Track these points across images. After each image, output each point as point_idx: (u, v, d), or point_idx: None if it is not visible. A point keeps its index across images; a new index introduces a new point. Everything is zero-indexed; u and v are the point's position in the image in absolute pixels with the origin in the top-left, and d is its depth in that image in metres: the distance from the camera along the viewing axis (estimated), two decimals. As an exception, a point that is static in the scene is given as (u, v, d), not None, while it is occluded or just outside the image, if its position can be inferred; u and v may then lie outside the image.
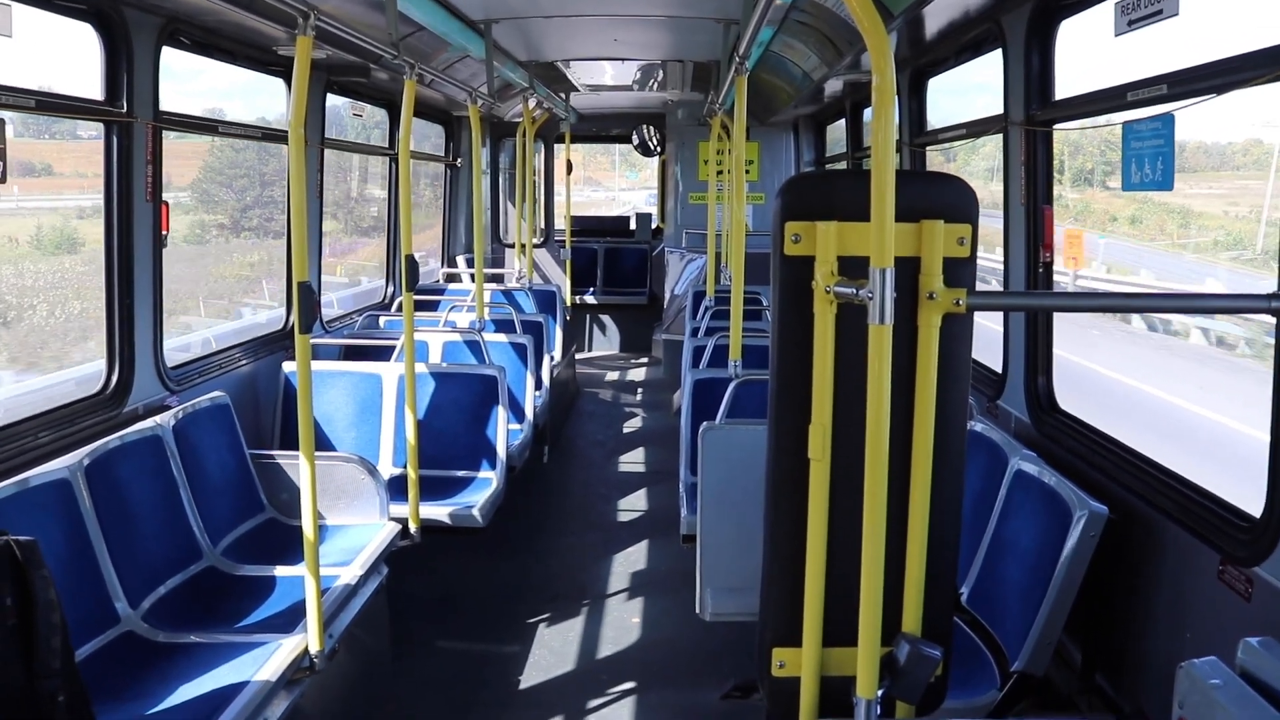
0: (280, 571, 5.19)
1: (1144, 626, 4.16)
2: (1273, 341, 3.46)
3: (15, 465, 4.44)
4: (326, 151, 8.39)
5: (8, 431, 4.66)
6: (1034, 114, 5.21)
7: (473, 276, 9.83)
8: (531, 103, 11.33)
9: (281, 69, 7.15)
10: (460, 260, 13.63)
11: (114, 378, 5.41)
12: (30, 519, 4.08)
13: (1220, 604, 3.59)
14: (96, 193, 5.50)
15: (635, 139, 15.81)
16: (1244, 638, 2.69)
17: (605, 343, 16.06)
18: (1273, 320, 3.24)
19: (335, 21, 4.62)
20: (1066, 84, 5.10)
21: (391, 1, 5.67)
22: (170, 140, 5.78)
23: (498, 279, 12.72)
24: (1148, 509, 4.14)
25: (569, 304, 12.91)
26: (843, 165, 11.12)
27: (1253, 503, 3.51)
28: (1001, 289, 5.77)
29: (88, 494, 4.49)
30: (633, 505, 8.77)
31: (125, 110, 5.29)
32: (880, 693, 2.69)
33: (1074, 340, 18.47)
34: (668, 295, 14.06)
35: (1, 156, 4.23)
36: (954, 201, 2.75)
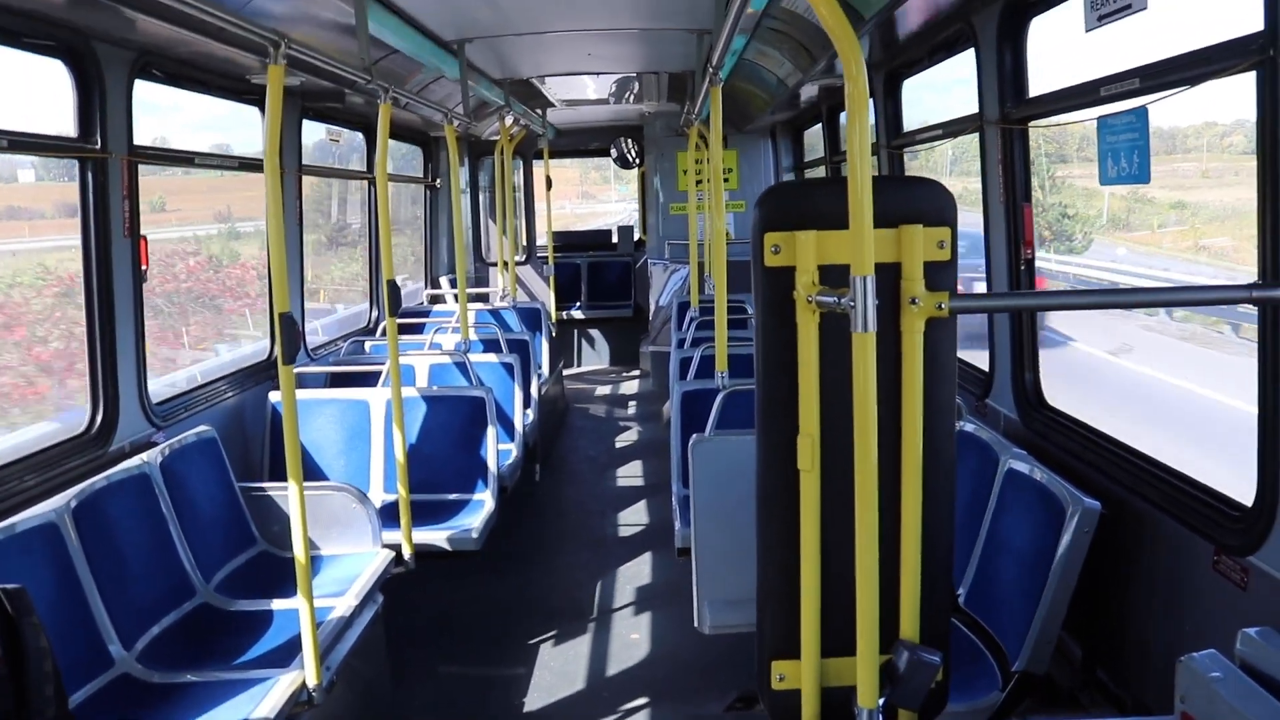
0: (275, 605, 5.15)
1: (1142, 620, 4.16)
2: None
3: (0, 510, 4.40)
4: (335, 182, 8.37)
5: None
6: (1009, 112, 5.22)
7: (456, 297, 9.81)
8: (508, 120, 11.33)
9: (255, 98, 7.13)
10: (444, 281, 13.61)
11: (99, 416, 5.37)
12: (18, 565, 4.04)
13: (1217, 594, 3.59)
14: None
15: (614, 152, 15.80)
16: (1242, 628, 2.69)
17: (594, 357, 16.04)
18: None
19: (307, 49, 4.60)
20: (1041, 81, 5.13)
21: (363, 26, 5.66)
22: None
23: (482, 298, 12.69)
24: (1140, 502, 4.14)
25: (554, 320, 12.89)
26: (821, 170, 11.13)
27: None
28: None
29: (76, 536, 4.45)
30: (627, 519, 8.75)
31: (99, 146, 5.26)
32: (882, 701, 2.68)
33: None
34: (653, 307, 14.06)
35: None
36: (932, 205, 2.75)
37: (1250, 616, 3.19)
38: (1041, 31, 5.12)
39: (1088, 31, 4.05)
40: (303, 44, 4.51)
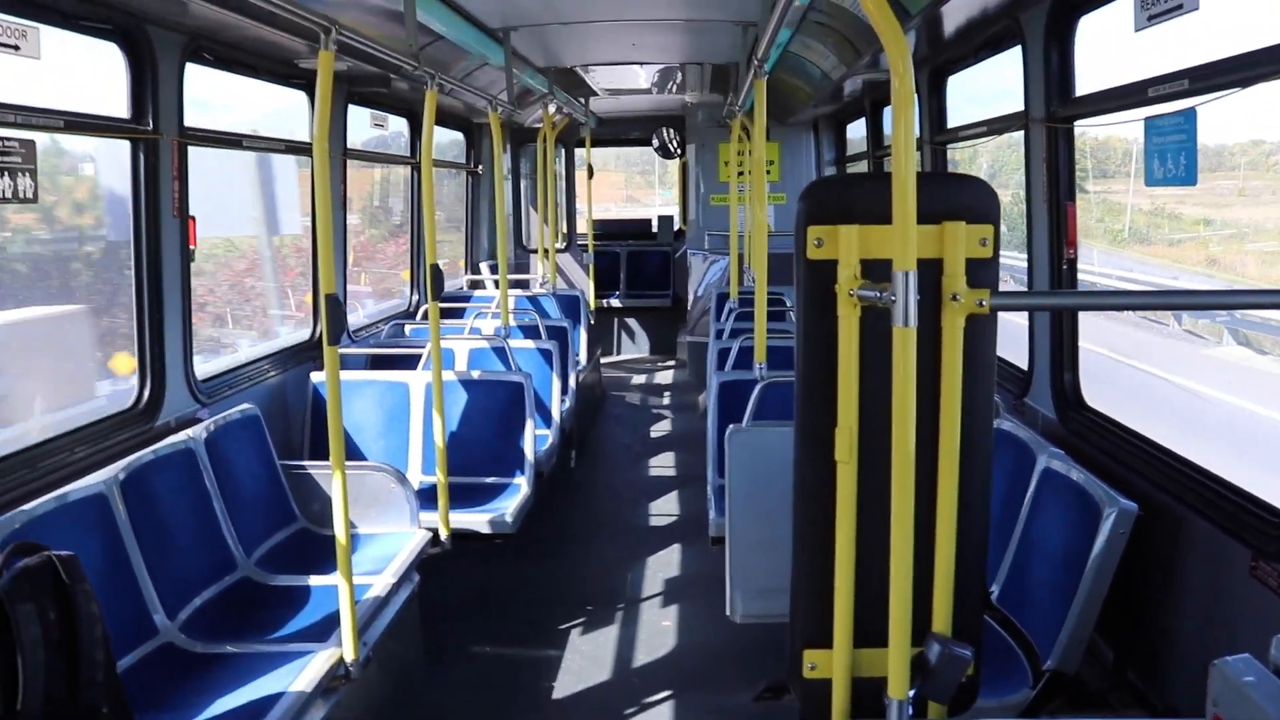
0: (313, 581, 5.24)
1: (1176, 623, 4.15)
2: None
3: (52, 481, 4.51)
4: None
5: (45, 448, 4.73)
6: (1055, 111, 5.20)
7: (496, 283, 9.87)
8: (551, 108, 11.38)
9: (303, 82, 7.22)
10: (484, 267, 13.69)
11: (146, 392, 5.48)
12: (69, 534, 4.14)
13: (1253, 600, 3.57)
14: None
15: (655, 141, 15.81)
16: (1278, 634, 2.68)
17: (631, 346, 16.09)
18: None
19: (356, 35, 4.66)
20: (1087, 80, 5.10)
21: (411, 13, 5.71)
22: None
23: (522, 285, 12.76)
24: (1177, 505, 4.13)
25: (593, 308, 12.95)
26: (863, 164, 11.10)
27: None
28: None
29: (124, 508, 4.56)
30: (661, 508, 8.79)
31: (151, 128, 5.36)
32: (912, 693, 2.70)
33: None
34: (691, 297, 14.08)
35: (32, 176, 4.31)
36: (975, 202, 2.76)
37: (1285, 622, 3.18)
38: (1084, 31, 5.10)
39: (1137, 31, 4.03)
40: (352, 30, 4.57)
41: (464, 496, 6.66)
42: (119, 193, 5.57)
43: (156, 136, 5.37)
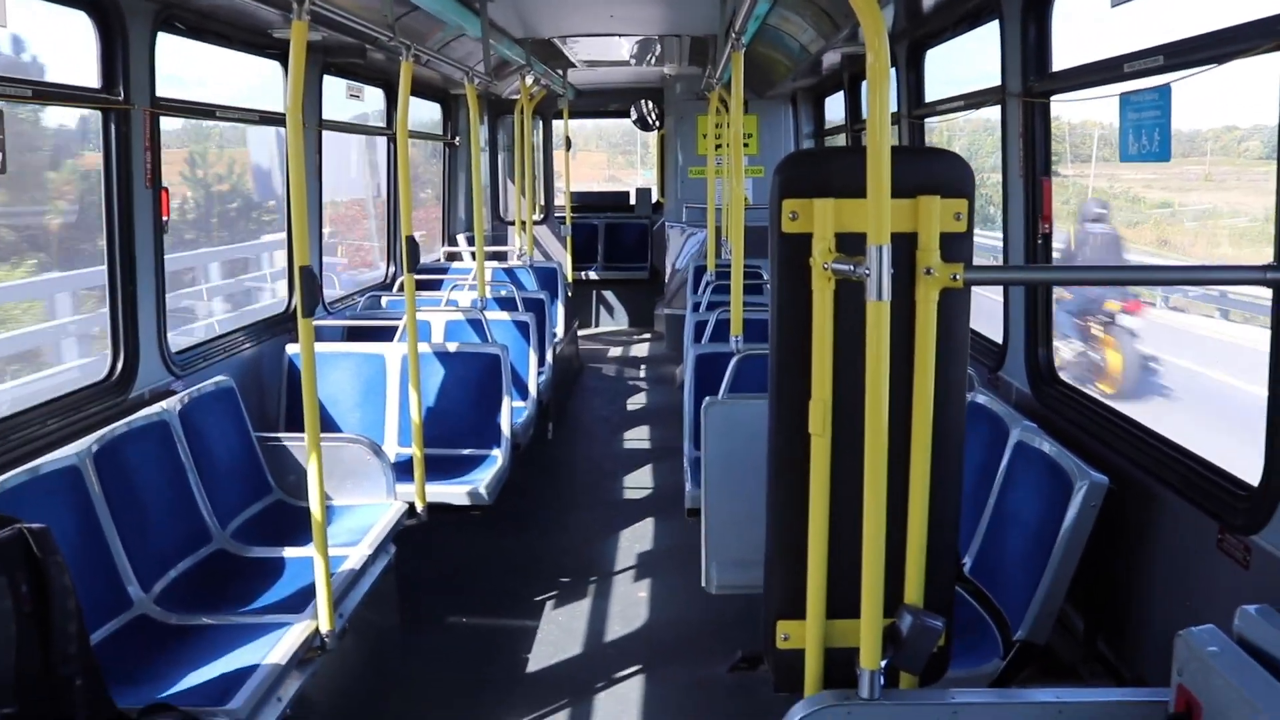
0: (289, 553, 5.24)
1: (1145, 595, 4.20)
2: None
3: (24, 453, 4.48)
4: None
5: (16, 420, 4.70)
6: (1032, 85, 5.21)
7: (473, 255, 9.84)
8: (529, 80, 11.30)
9: (277, 53, 7.14)
10: (461, 239, 13.63)
11: (119, 364, 5.44)
12: (41, 506, 4.11)
13: (1219, 572, 3.63)
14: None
15: (634, 114, 15.74)
16: (1242, 605, 2.73)
17: (609, 318, 16.08)
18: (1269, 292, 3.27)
19: (330, 4, 4.61)
20: (1063, 56, 5.11)
21: None
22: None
23: (499, 257, 12.72)
24: (1147, 479, 4.18)
25: (570, 280, 12.92)
26: (842, 138, 11.10)
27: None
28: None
29: (97, 480, 4.54)
30: (637, 480, 8.82)
31: (122, 97, 5.30)
32: (884, 663, 2.73)
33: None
34: (669, 270, 14.07)
35: (0, 147, 4.25)
36: (950, 177, 2.77)
37: (1252, 595, 3.21)
38: (1061, 7, 5.10)
39: (1114, 6, 4.04)
40: None
41: (440, 468, 6.66)
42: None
43: (128, 107, 5.31)
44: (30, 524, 3.22)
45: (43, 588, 3.18)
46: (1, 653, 3.01)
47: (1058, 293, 5.97)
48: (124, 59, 5.27)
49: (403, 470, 6.29)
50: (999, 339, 5.79)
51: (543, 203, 15.58)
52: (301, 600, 4.65)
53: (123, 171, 5.36)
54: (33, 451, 4.49)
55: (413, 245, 6.15)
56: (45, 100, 4.90)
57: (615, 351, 14.43)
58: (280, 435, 6.07)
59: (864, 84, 9.36)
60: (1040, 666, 4.11)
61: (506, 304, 9.16)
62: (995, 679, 4.03)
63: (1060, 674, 4.43)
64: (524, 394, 8.20)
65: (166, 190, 5.65)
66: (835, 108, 11.87)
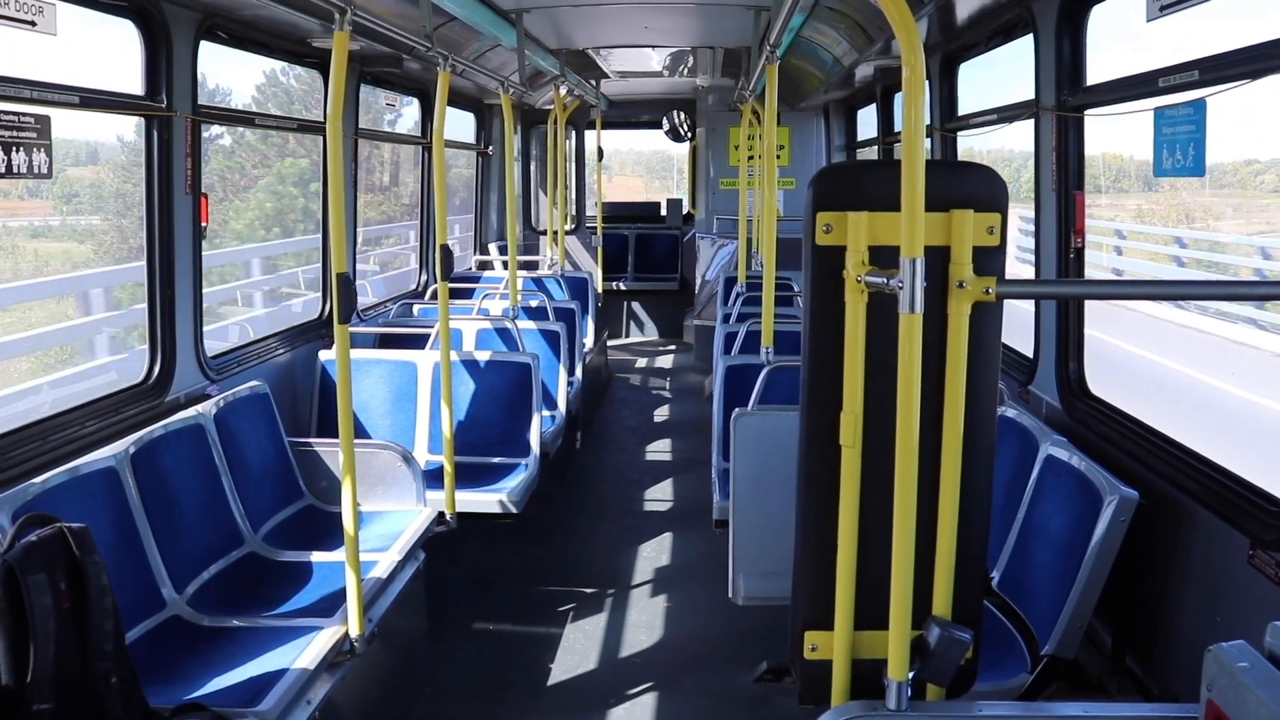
0: (319, 557, 5.28)
1: (1174, 610, 4.18)
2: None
3: (63, 454, 4.56)
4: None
5: (57, 420, 4.78)
6: (1065, 99, 5.20)
7: (505, 264, 9.90)
8: (563, 90, 11.38)
9: (316, 61, 7.23)
10: (492, 248, 13.71)
11: (156, 368, 5.53)
12: (80, 506, 4.18)
13: (1250, 588, 3.60)
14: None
15: (665, 125, 15.79)
16: (1273, 621, 2.71)
17: (638, 329, 16.11)
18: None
19: (370, 15, 4.68)
20: (1098, 70, 5.10)
21: None
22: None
23: (530, 266, 12.78)
24: (1178, 493, 4.15)
25: (601, 290, 12.97)
26: (874, 150, 11.10)
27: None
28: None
29: (134, 482, 4.60)
30: (665, 492, 8.83)
31: (165, 105, 5.39)
32: (911, 675, 2.74)
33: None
34: (699, 281, 14.09)
35: (47, 152, 4.33)
36: (983, 191, 2.78)
37: (1283, 611, 3.20)
38: (1096, 21, 5.09)
39: (1149, 21, 4.04)
40: (365, 10, 4.59)
41: (470, 476, 6.70)
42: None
43: (170, 114, 5.40)
44: (70, 523, 3.28)
45: (81, 586, 3.23)
46: (40, 648, 3.06)
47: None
48: (167, 67, 5.36)
49: (432, 477, 6.33)
50: (1030, 352, 5.77)
51: (574, 213, 15.65)
52: (331, 604, 4.69)
53: (164, 177, 5.44)
54: (72, 453, 4.56)
55: (447, 254, 6.20)
56: (91, 108, 4.98)
57: (644, 362, 14.45)
58: (312, 440, 6.13)
59: (897, 96, 9.38)
60: (1068, 681, 4.10)
61: (537, 314, 9.21)
62: (1022, 693, 4.01)
63: (1088, 689, 4.41)
64: (553, 404, 8.24)
65: (206, 196, 5.74)
66: (867, 120, 11.89)
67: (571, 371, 8.95)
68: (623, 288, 15.67)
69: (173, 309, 5.56)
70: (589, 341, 10.93)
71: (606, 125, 14.78)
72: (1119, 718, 2.87)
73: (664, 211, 16.91)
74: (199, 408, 5.36)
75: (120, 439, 4.74)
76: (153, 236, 5.48)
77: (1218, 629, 3.80)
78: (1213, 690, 2.63)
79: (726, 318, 9.04)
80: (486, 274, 12.14)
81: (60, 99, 4.61)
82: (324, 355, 7.18)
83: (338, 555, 5.06)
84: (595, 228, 14.44)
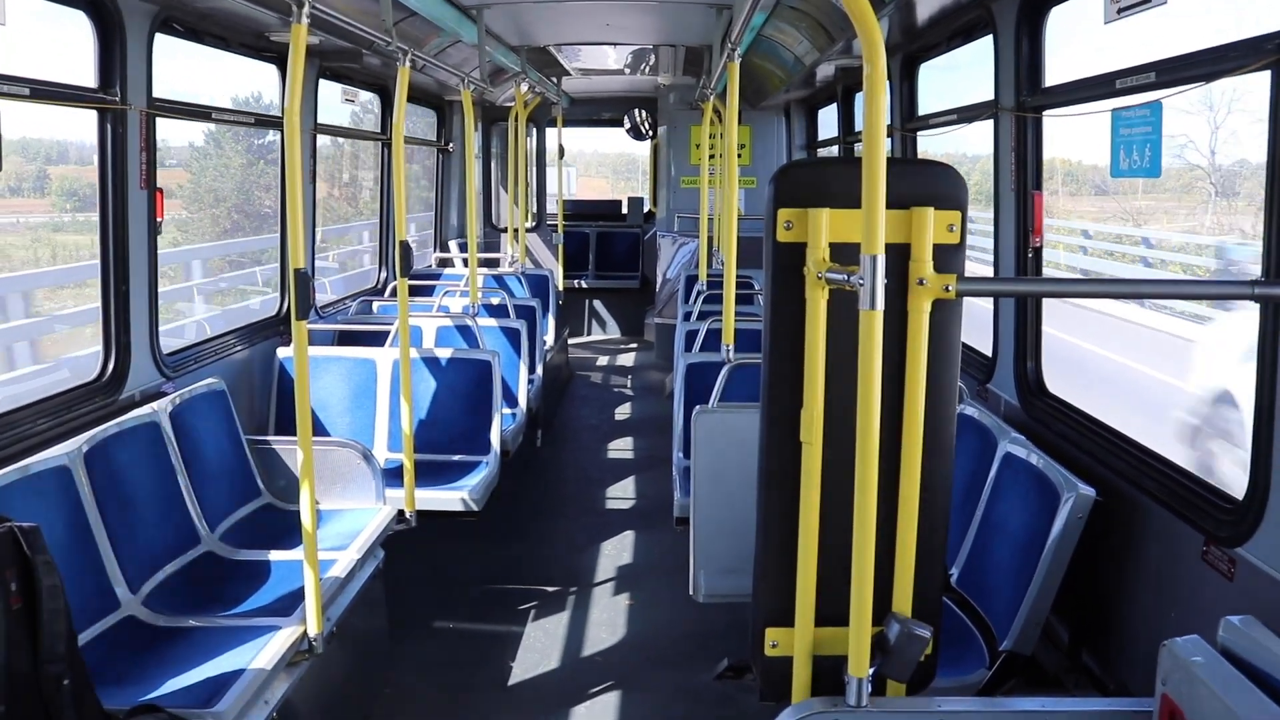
0: (277, 556, 5.23)
1: (1130, 606, 4.23)
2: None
3: (14, 452, 4.48)
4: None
5: (7, 419, 4.69)
6: (1024, 100, 5.25)
7: (465, 261, 9.85)
8: (524, 87, 11.34)
9: (274, 56, 7.15)
10: (453, 245, 13.64)
11: (110, 365, 5.43)
12: (31, 505, 4.11)
13: (1204, 584, 3.65)
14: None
15: (627, 123, 15.79)
16: (1225, 616, 2.76)
17: (599, 327, 16.10)
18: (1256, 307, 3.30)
19: (329, 9, 4.63)
20: (1056, 72, 5.15)
21: None
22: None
23: (491, 264, 12.72)
24: (1134, 491, 4.21)
25: (562, 288, 12.95)
26: (835, 149, 11.15)
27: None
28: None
29: (87, 480, 4.53)
30: (626, 489, 8.83)
31: (119, 98, 5.30)
32: (871, 671, 2.75)
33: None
34: (660, 279, 14.10)
35: None
36: (944, 189, 2.80)
37: (1235, 607, 3.25)
38: (1055, 22, 5.15)
39: (1106, 23, 4.08)
40: (325, 3, 4.54)
41: (430, 474, 6.66)
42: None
43: (124, 107, 5.31)
44: (20, 523, 3.22)
45: (32, 587, 3.18)
46: (-10, 650, 3.00)
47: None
48: (121, 60, 5.27)
49: (392, 475, 6.29)
50: (989, 351, 5.82)
51: (535, 210, 15.60)
52: (289, 604, 4.64)
53: (118, 172, 5.35)
54: (23, 451, 4.48)
55: (406, 250, 6.16)
56: (42, 100, 4.89)
57: (605, 360, 14.44)
58: (270, 439, 6.07)
59: (858, 96, 9.44)
60: (1025, 677, 4.13)
61: (498, 311, 9.17)
62: (981, 688, 4.04)
63: (1045, 684, 4.45)
64: (514, 401, 8.21)
65: (161, 191, 5.65)
66: (828, 120, 11.95)
67: (532, 369, 8.92)
68: (584, 286, 15.65)
69: (128, 305, 5.47)
70: (550, 339, 10.90)
71: (568, 123, 14.76)
72: (1076, 712, 2.90)
73: (625, 210, 16.90)
74: (154, 405, 5.29)
75: (74, 437, 4.67)
76: (106, 232, 5.38)
77: (1172, 625, 3.85)
78: (1167, 684, 2.67)
79: (687, 316, 9.05)
80: (447, 271, 12.08)
81: (9, 90, 4.53)
82: (282, 352, 7.11)
83: (296, 554, 5.01)
84: (556, 225, 14.42)
